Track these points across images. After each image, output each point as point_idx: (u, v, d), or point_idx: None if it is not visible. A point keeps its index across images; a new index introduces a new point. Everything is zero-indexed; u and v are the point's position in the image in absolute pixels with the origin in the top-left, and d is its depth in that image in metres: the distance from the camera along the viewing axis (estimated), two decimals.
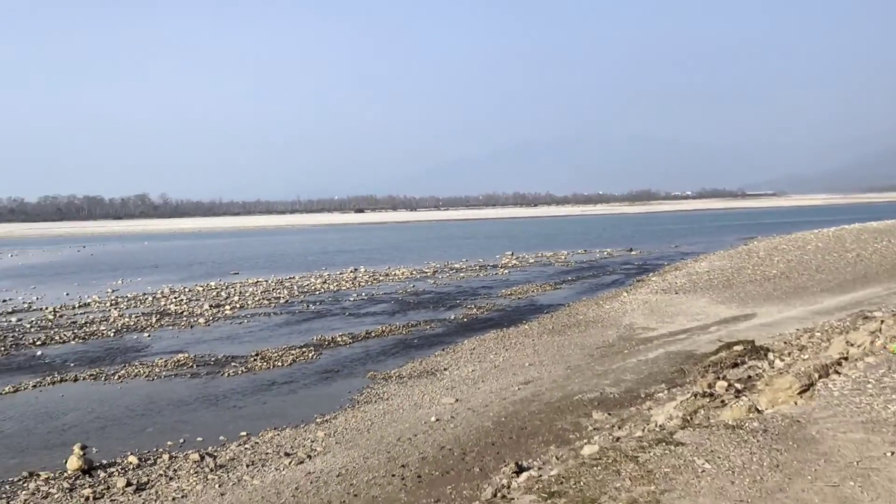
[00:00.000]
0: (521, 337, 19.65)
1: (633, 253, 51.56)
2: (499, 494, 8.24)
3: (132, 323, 23.92)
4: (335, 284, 34.89)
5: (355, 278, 37.67)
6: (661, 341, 17.41)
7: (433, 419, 11.68)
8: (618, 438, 9.55)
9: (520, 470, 9.02)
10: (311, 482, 9.08)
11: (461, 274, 39.36)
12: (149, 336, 21.71)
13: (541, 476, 8.53)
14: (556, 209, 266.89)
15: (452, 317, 24.27)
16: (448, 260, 48.90)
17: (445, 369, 16.16)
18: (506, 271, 40.33)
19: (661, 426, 9.15)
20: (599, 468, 6.90)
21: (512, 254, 51.89)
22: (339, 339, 20.46)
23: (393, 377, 15.72)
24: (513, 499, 6.71)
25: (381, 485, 8.88)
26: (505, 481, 8.66)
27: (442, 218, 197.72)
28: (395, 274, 39.78)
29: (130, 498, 9.03)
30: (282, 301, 29.24)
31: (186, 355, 18.34)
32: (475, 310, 25.62)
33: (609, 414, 11.29)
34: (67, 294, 33.91)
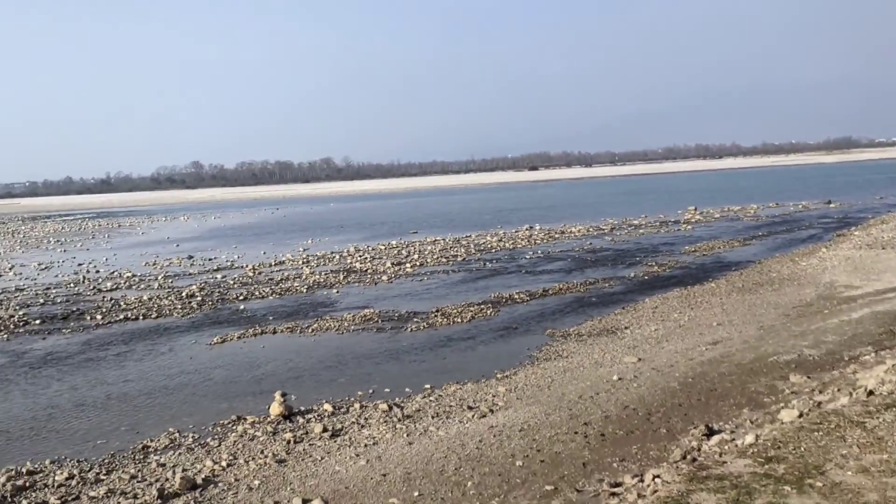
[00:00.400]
0: (707, 295, 18.77)
1: (831, 206, 47.66)
2: (688, 456, 7.94)
3: (322, 280, 25.31)
4: (511, 242, 35.02)
5: (530, 236, 37.61)
6: (866, 300, 15.98)
7: (615, 378, 11.45)
8: (819, 403, 8.88)
9: (710, 433, 8.64)
10: (495, 435, 9.20)
11: (640, 230, 38.20)
12: (337, 292, 22.89)
13: (733, 440, 8.12)
14: (742, 161, 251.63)
15: (632, 274, 23.62)
16: (626, 216, 47.62)
17: (626, 328, 15.77)
18: (689, 227, 38.66)
19: (871, 391, 8.38)
20: (821, 433, 6.42)
21: (695, 209, 49.57)
22: (516, 296, 20.54)
23: (572, 335, 15.56)
24: (725, 462, 6.41)
25: (563, 441, 8.84)
26: (694, 443, 8.33)
27: (619, 173, 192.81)
28: (570, 231, 39.31)
29: (327, 443, 9.59)
30: (459, 259, 29.78)
31: (372, 310, 19.15)
32: (656, 267, 24.78)
33: (808, 377, 10.53)
34: (264, 253, 36.50)
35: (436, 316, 18.23)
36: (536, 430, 9.30)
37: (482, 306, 19.19)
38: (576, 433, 9.07)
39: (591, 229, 40.01)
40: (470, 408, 10.70)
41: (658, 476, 7.44)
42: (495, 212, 63.58)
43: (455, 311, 18.72)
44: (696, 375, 11.15)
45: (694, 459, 7.75)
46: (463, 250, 32.47)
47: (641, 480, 7.45)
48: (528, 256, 29.82)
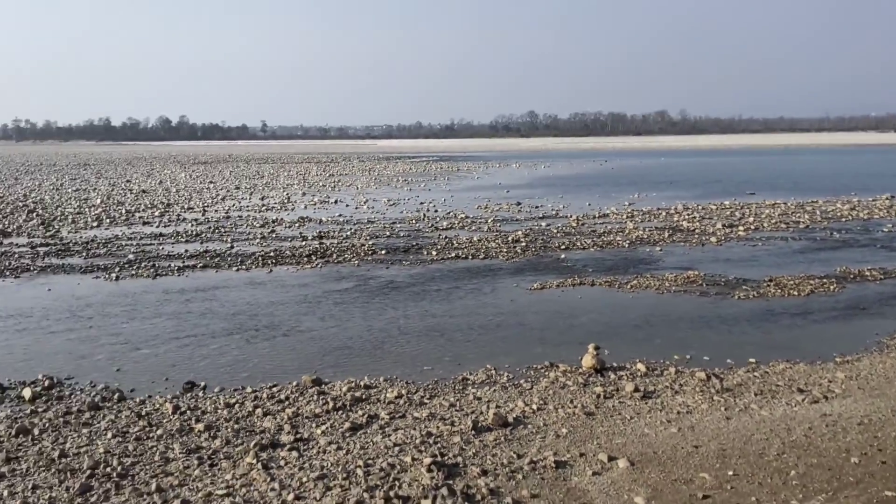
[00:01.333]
0: None
1: None
2: None
3: (645, 236, 24.68)
4: (866, 212, 30.97)
5: (892, 206, 32.91)
6: None
7: None
8: None
9: None
10: (827, 425, 8.23)
11: None
12: (660, 250, 22.17)
13: None
14: None
15: None
16: None
17: None
18: None
19: None
20: None
21: None
22: (867, 272, 18.13)
23: None
24: None
25: None
26: None
27: None
28: None
29: (637, 403, 9.35)
30: (801, 226, 27.08)
31: (696, 273, 18.22)
32: None
33: None
34: (589, 204, 36.62)
35: (768, 286, 16.79)
36: (879, 427, 8.13)
37: (824, 280, 17.25)
38: None
39: None
40: (800, 390, 9.69)
41: None
42: (851, 176, 56.67)
43: (791, 282, 17.07)
44: None
45: None
46: (807, 217, 29.46)
47: None
48: (885, 229, 26.14)
